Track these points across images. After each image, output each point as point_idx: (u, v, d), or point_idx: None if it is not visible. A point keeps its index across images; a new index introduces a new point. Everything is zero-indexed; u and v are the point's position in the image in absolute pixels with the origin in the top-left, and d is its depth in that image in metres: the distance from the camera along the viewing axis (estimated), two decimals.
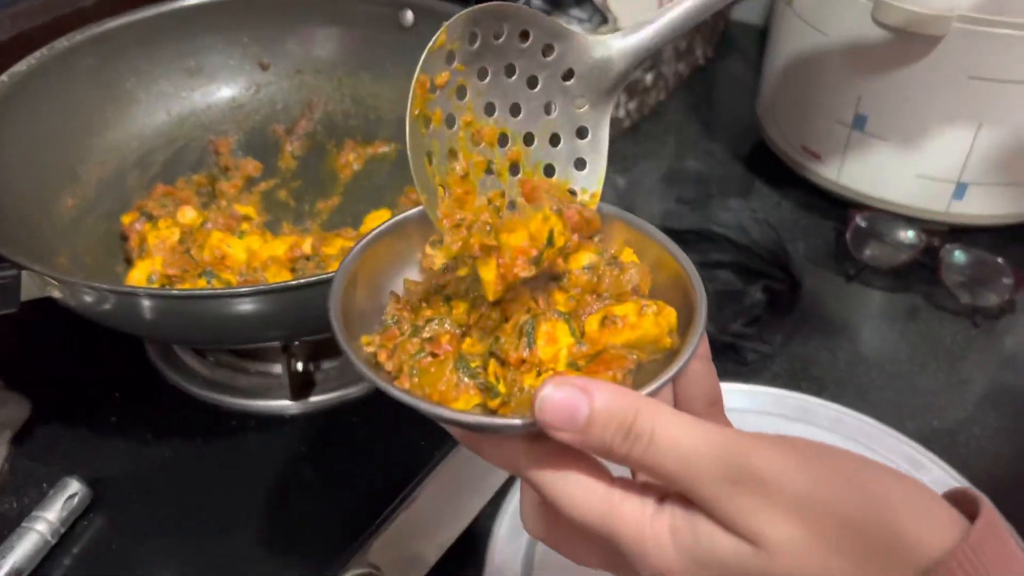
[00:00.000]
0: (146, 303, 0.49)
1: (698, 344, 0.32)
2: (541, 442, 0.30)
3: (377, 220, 0.58)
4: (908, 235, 0.80)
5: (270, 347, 0.60)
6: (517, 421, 0.29)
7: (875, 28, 0.74)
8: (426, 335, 0.35)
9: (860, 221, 0.81)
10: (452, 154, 0.35)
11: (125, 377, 0.62)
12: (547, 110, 0.37)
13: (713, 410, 0.34)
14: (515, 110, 0.37)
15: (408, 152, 0.33)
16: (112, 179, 0.67)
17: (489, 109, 0.36)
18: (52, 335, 0.64)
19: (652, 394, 0.30)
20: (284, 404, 0.59)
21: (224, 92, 0.74)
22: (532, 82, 0.37)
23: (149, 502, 0.54)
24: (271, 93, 0.75)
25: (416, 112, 0.33)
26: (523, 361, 0.33)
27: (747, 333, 0.73)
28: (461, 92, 0.35)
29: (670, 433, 0.28)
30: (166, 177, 0.70)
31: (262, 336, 0.54)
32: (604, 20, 0.91)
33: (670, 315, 0.34)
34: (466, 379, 0.33)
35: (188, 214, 0.64)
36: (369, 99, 0.74)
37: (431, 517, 0.57)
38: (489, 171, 0.36)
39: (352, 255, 0.36)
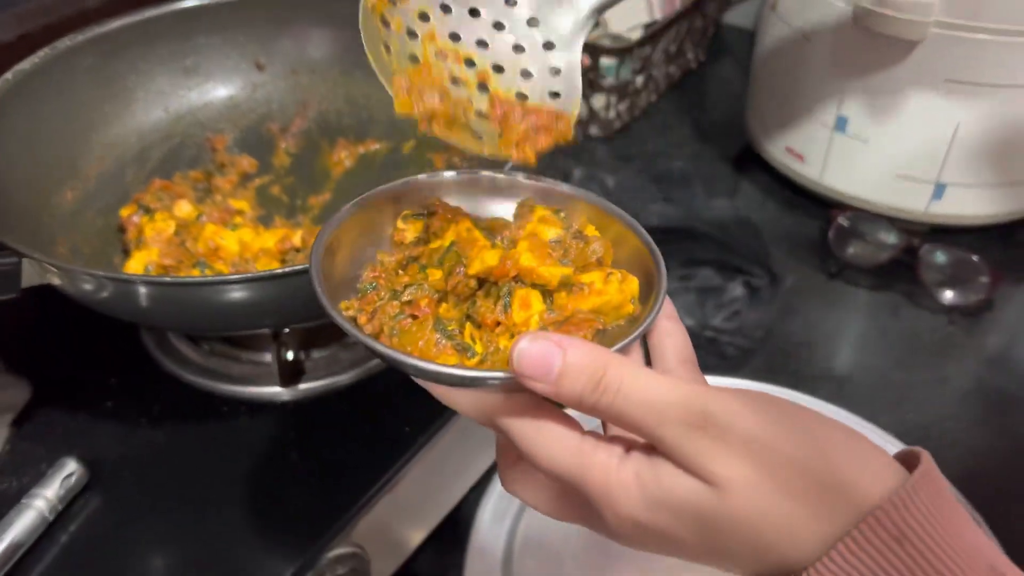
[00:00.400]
0: (141, 290, 0.51)
1: (662, 304, 0.35)
2: (517, 396, 0.32)
3: None
4: (889, 235, 0.82)
5: (262, 336, 0.61)
6: (498, 373, 0.31)
7: (855, 32, 0.76)
8: (406, 298, 0.36)
9: (842, 221, 0.83)
10: (413, 59, 0.35)
11: (121, 363, 0.64)
12: (516, 50, 0.37)
13: (685, 367, 0.35)
14: (482, 45, 0.37)
15: (362, 35, 0.32)
16: (111, 173, 0.69)
17: (454, 37, 0.36)
18: (52, 322, 0.66)
19: (622, 351, 0.32)
20: (275, 391, 0.61)
21: (221, 91, 0.75)
22: (499, 26, 0.37)
23: (143, 482, 0.56)
24: (267, 93, 0.76)
25: (370, 4, 0.33)
26: (498, 323, 0.35)
27: (727, 328, 0.75)
28: (424, 17, 0.35)
29: (637, 384, 0.30)
30: (163, 172, 0.71)
31: (252, 323, 0.56)
32: (596, 22, 0.93)
33: (633, 283, 0.36)
34: (444, 340, 0.35)
35: (184, 208, 0.66)
36: (361, 98, 0.76)
37: (415, 500, 0.59)
38: (455, 83, 0.36)
39: (328, 227, 0.37)
